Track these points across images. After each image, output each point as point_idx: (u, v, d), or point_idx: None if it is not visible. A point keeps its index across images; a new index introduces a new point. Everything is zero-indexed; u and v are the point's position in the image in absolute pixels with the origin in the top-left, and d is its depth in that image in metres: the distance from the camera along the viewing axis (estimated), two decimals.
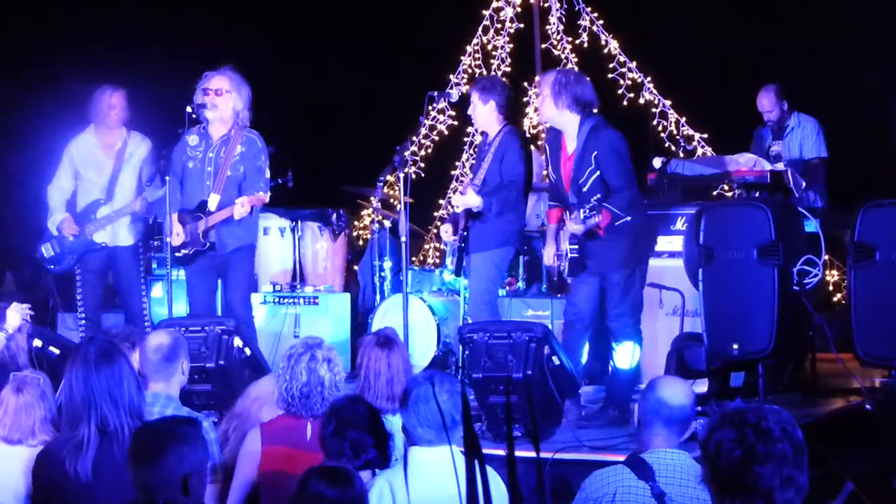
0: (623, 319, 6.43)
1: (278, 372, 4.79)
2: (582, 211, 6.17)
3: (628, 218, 6.28)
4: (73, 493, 4.23)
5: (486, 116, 7.08)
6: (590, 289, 6.49)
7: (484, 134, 7.29)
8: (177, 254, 7.29)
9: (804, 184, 7.89)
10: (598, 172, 6.33)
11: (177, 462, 3.68)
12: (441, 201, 10.61)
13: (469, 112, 7.20)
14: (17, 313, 5.97)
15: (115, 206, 7.81)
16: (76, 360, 4.41)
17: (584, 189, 6.36)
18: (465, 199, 7.00)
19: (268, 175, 7.35)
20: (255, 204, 7.21)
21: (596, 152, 6.32)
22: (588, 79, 6.62)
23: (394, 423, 4.44)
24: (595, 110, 6.49)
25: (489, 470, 4.09)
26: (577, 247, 6.43)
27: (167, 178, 7.14)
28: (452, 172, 10.64)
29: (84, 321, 7.87)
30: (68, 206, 7.89)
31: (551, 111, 6.47)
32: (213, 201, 7.24)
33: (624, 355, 6.43)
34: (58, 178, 7.90)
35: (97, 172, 7.88)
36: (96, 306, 7.92)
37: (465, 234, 7.05)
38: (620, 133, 6.44)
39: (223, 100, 7.26)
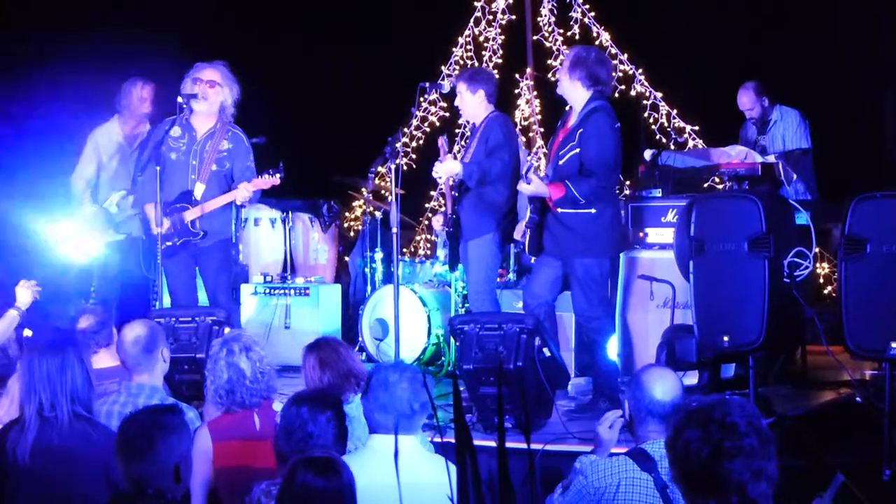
0: (596, 312, 6.48)
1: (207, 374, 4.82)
2: (531, 171, 6.26)
3: (592, 210, 6.33)
4: (11, 473, 4.28)
5: (475, 106, 7.07)
6: (550, 273, 6.53)
7: (472, 125, 7.27)
8: (160, 246, 7.12)
9: (794, 175, 7.90)
10: (577, 150, 6.36)
11: (167, 453, 3.74)
12: (433, 192, 10.60)
13: (456, 103, 7.19)
14: (27, 290, 5.95)
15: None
16: (28, 346, 4.46)
17: (561, 162, 6.42)
18: (445, 165, 6.93)
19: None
20: (263, 187, 7.15)
21: (582, 130, 6.35)
22: (610, 61, 6.69)
23: (351, 409, 4.45)
24: (607, 96, 6.55)
25: (441, 459, 4.07)
26: (536, 217, 6.46)
27: (157, 167, 7.09)
28: None
29: None
30: (91, 196, 7.84)
31: (565, 83, 6.52)
32: (199, 190, 7.19)
33: (612, 349, 6.45)
34: (82, 167, 7.86)
35: (122, 163, 7.82)
36: (108, 297, 7.85)
37: (454, 217, 7.02)
38: (618, 126, 6.45)
39: (214, 92, 7.21)
